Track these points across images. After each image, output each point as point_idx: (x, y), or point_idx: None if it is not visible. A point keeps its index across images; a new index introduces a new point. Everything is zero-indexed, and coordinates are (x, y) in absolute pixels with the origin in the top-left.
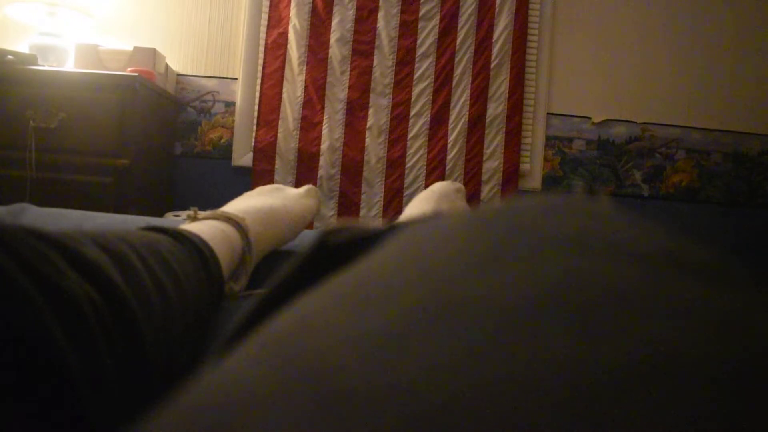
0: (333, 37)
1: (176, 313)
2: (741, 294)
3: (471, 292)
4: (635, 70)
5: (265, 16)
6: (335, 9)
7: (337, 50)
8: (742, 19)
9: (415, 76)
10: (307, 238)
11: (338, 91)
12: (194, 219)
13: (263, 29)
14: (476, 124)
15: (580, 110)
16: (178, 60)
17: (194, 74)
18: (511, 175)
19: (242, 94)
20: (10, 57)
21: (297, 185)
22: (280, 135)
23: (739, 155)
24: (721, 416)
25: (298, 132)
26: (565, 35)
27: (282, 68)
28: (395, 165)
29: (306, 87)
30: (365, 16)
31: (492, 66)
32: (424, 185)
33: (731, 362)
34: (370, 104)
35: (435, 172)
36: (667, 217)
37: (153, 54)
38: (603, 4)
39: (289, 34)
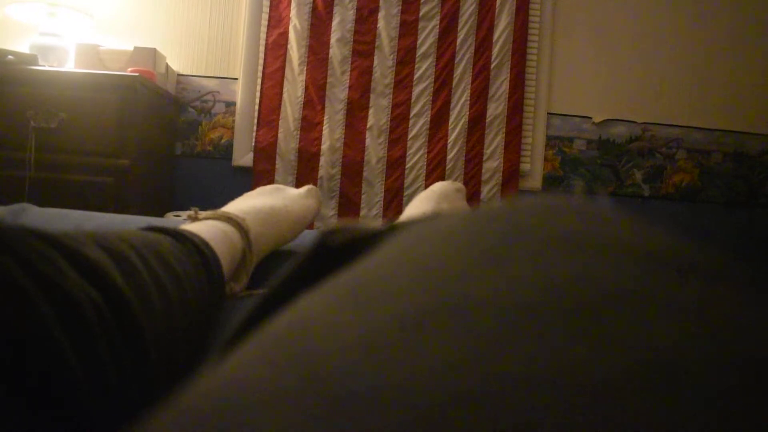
0: (333, 37)
1: (177, 313)
2: (741, 294)
3: (472, 292)
4: (635, 70)
5: (265, 16)
6: (335, 9)
7: (337, 50)
8: (742, 19)
9: (416, 77)
10: (307, 238)
11: (338, 91)
12: (195, 219)
13: (263, 29)
14: (476, 124)
15: (580, 110)
16: (179, 60)
17: (194, 74)
18: (512, 175)
19: (242, 94)
20: (10, 57)
21: (297, 185)
22: (280, 135)
23: (740, 155)
24: (723, 417)
25: (299, 132)
26: (565, 35)
27: (282, 68)
28: (395, 165)
29: (306, 87)
30: (365, 16)
31: (492, 66)
32: (424, 185)
33: (732, 363)
34: (370, 104)
35: (435, 172)
36: (667, 217)
37: (153, 54)
38: (603, 4)
39: (290, 34)
